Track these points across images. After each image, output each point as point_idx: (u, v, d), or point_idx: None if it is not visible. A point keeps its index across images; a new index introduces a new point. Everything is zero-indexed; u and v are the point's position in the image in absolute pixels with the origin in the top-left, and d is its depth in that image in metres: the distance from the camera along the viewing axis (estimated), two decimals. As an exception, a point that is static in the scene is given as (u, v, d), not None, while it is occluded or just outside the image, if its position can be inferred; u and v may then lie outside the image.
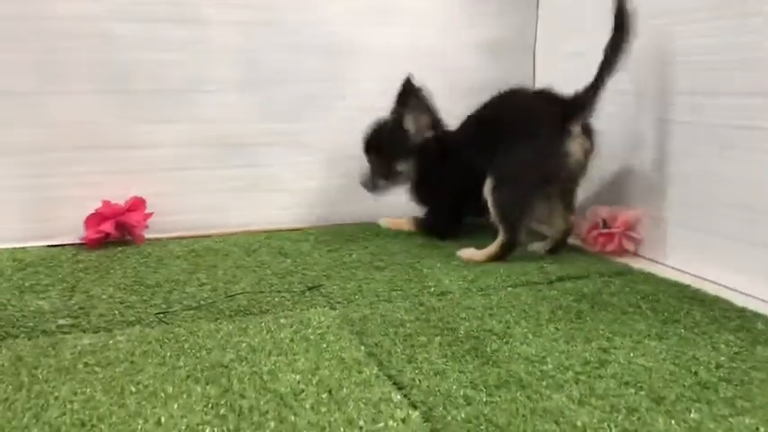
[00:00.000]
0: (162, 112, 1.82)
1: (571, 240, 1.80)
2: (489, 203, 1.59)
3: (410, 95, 1.75)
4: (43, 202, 1.77)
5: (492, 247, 1.60)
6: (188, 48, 1.83)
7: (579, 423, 0.84)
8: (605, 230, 1.66)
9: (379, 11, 2.01)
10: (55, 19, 1.72)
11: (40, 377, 0.96)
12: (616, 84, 1.58)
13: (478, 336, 1.12)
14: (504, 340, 1.10)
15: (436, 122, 1.79)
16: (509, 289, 1.38)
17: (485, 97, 1.78)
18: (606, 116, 1.78)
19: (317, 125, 1.93)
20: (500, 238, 1.60)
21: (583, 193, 1.81)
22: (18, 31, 1.70)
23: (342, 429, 0.82)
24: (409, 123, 1.76)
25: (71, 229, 1.76)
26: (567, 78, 1.99)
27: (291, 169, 1.95)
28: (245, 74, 1.87)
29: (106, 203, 1.76)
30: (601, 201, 1.77)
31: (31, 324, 1.17)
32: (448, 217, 1.85)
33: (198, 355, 1.04)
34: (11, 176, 1.74)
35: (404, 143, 1.77)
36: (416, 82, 1.75)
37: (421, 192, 1.86)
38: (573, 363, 1.01)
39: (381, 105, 1.88)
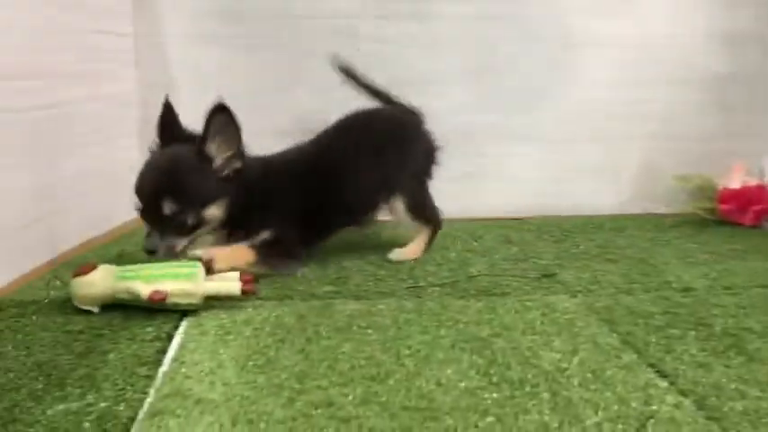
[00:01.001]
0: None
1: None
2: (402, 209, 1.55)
3: (215, 114, 1.28)
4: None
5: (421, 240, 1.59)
6: (419, 42, 1.93)
7: None
8: None
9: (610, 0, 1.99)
10: (303, 18, 1.90)
11: (323, 334, 1.08)
12: None
13: (737, 333, 1.09)
14: (766, 340, 1.07)
15: (241, 149, 1.36)
16: (758, 289, 1.32)
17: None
18: None
19: (545, 116, 1.95)
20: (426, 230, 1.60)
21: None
22: (275, 31, 1.90)
23: (616, 407, 0.85)
24: (216, 150, 1.32)
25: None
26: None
27: (516, 159, 1.99)
28: (475, 66, 1.94)
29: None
30: None
31: (301, 288, 1.32)
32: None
33: (455, 327, 1.12)
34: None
35: (212, 181, 1.32)
36: (220, 99, 1.29)
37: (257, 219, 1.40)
38: None
39: (609, 97, 1.86)
